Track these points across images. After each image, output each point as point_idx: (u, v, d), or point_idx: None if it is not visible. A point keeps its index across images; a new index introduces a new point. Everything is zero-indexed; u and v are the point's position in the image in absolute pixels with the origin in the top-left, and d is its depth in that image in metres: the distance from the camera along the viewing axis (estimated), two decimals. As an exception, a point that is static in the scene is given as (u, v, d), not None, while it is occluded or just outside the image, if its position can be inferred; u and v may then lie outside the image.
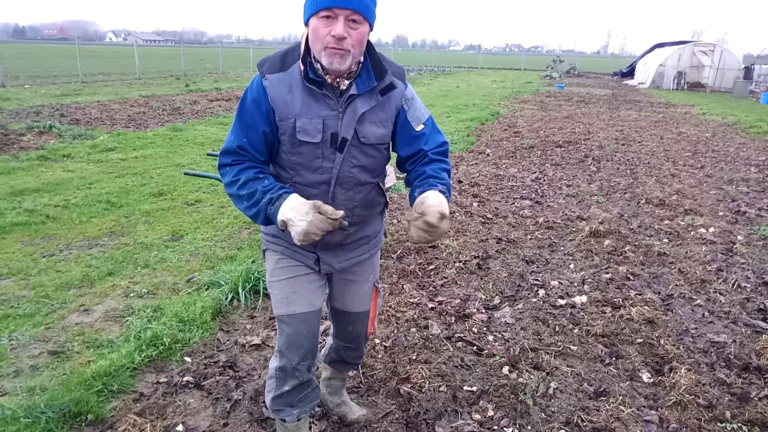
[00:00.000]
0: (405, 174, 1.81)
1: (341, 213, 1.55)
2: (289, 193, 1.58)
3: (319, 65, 1.57)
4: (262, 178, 1.61)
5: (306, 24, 1.56)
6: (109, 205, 5.10)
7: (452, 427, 2.28)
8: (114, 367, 2.48)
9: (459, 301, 3.40)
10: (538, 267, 4.03)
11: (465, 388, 2.53)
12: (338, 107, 1.61)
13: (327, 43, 1.50)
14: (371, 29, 1.58)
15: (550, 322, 3.18)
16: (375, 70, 1.63)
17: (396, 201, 5.47)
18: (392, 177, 4.04)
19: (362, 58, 1.62)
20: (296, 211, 1.52)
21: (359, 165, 1.68)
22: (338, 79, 1.60)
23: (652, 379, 2.64)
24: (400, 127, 1.73)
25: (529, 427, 2.29)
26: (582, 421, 2.31)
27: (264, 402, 2.34)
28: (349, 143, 1.63)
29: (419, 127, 1.72)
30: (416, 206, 1.55)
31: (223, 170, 1.66)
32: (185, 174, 3.60)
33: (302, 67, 1.58)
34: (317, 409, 2.30)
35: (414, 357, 2.76)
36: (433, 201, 1.52)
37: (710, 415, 2.37)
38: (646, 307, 3.29)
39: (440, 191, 1.59)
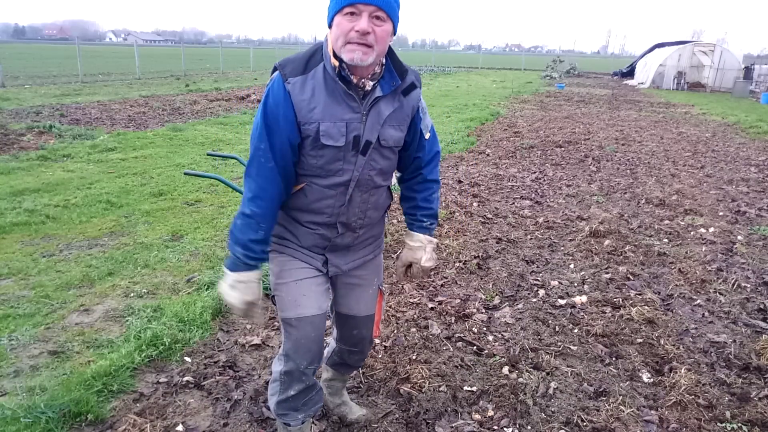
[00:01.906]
0: (399, 173, 1.92)
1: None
2: (249, 269, 1.66)
3: (345, 65, 1.56)
4: (260, 239, 1.66)
5: (330, 25, 1.56)
6: (109, 205, 5.10)
7: (452, 427, 2.28)
8: (114, 367, 2.48)
9: (459, 301, 3.40)
10: (538, 267, 4.03)
11: (465, 388, 2.53)
12: (362, 110, 1.61)
13: (350, 38, 1.50)
14: (395, 30, 1.59)
15: (550, 322, 3.18)
16: (397, 70, 1.66)
17: (395, 200, 5.46)
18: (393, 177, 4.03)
19: (384, 60, 1.63)
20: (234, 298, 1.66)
21: (377, 168, 1.70)
22: (363, 80, 1.59)
23: (652, 379, 2.64)
24: (413, 134, 1.78)
25: (529, 427, 2.29)
26: (582, 421, 2.31)
27: (264, 402, 2.35)
28: (372, 146, 1.65)
29: (427, 135, 1.82)
30: (405, 255, 1.91)
31: (248, 181, 1.66)
32: (185, 174, 3.59)
33: (336, 64, 1.56)
34: (317, 409, 2.31)
35: (414, 357, 2.76)
36: (420, 255, 1.88)
37: (710, 415, 2.37)
38: (646, 307, 3.29)
39: (429, 230, 1.91)
